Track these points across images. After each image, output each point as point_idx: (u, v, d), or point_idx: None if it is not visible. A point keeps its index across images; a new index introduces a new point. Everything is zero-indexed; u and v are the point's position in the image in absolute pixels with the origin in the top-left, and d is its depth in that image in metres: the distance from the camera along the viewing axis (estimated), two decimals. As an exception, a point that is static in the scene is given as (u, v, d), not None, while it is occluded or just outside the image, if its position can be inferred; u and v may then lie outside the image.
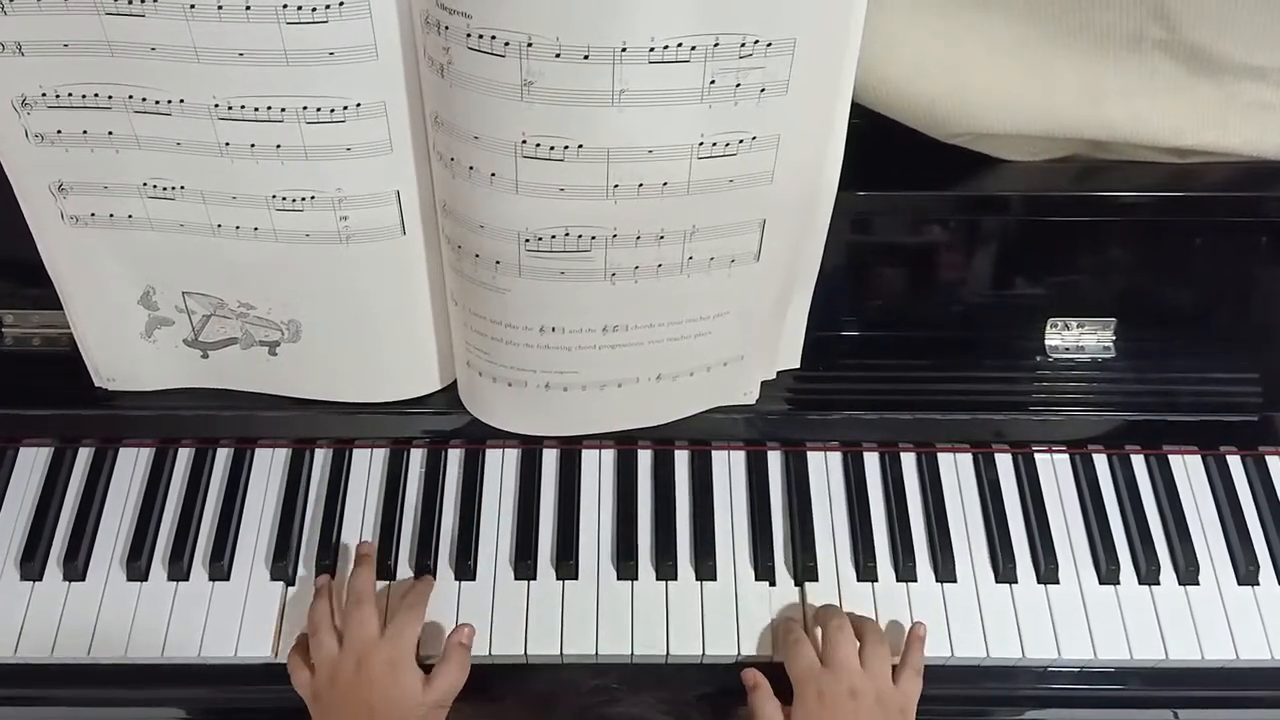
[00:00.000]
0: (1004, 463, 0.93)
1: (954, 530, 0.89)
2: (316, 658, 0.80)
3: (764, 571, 0.87)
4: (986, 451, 0.93)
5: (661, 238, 0.72)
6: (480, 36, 0.61)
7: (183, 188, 0.73)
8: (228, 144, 0.69)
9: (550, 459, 0.93)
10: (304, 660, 0.81)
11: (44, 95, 0.69)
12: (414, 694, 0.77)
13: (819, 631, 0.82)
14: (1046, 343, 0.92)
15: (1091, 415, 0.91)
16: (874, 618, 0.85)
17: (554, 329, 0.77)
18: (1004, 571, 0.87)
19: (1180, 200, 0.80)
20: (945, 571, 0.87)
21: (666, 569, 0.87)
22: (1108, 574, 0.87)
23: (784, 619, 0.84)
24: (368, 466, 0.92)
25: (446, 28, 0.62)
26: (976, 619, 0.85)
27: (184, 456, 0.93)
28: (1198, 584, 0.87)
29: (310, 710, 0.79)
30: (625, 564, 0.86)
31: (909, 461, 0.93)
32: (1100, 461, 0.93)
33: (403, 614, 0.81)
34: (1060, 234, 0.85)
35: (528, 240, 0.71)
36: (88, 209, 0.75)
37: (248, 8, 0.62)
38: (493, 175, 0.68)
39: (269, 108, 0.67)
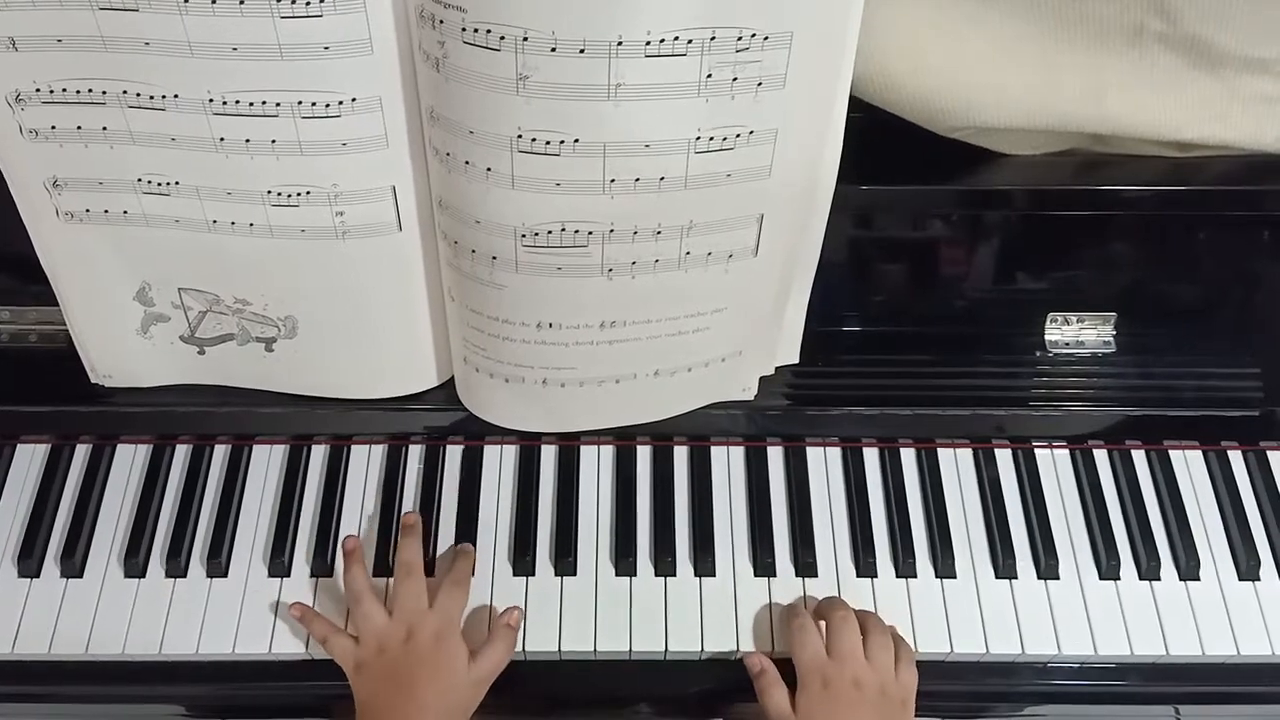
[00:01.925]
0: (1004, 458, 0.93)
1: (954, 526, 0.89)
2: (362, 627, 0.80)
3: (763, 568, 0.87)
4: (986, 447, 0.93)
5: (659, 233, 0.71)
6: (475, 31, 0.61)
7: (178, 183, 0.73)
8: (222, 139, 0.69)
9: (549, 455, 0.92)
10: (340, 629, 0.81)
11: (38, 91, 0.69)
12: (460, 668, 0.78)
13: (822, 623, 0.82)
14: (1046, 338, 0.91)
15: (1092, 410, 0.91)
16: (875, 613, 0.84)
17: (551, 325, 0.77)
18: (1004, 567, 0.87)
19: (1181, 194, 0.80)
20: (945, 567, 0.87)
21: (665, 565, 0.86)
22: (1108, 569, 0.87)
23: (789, 607, 0.84)
24: (366, 463, 0.92)
25: (441, 22, 0.61)
26: (976, 615, 0.85)
27: (181, 453, 0.93)
28: (1198, 579, 0.87)
29: (351, 678, 0.79)
30: (624, 560, 0.86)
31: (909, 457, 0.93)
32: (1101, 457, 0.93)
33: (448, 588, 0.81)
34: (1060, 228, 0.84)
35: (524, 236, 0.71)
36: (83, 205, 0.75)
37: (241, 2, 0.62)
38: (489, 170, 0.67)
39: (264, 102, 0.67)
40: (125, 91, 0.68)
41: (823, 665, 0.78)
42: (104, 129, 0.70)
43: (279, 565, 0.86)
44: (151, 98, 0.68)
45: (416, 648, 0.78)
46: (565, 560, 0.86)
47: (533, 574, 0.86)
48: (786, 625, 0.82)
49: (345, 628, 0.83)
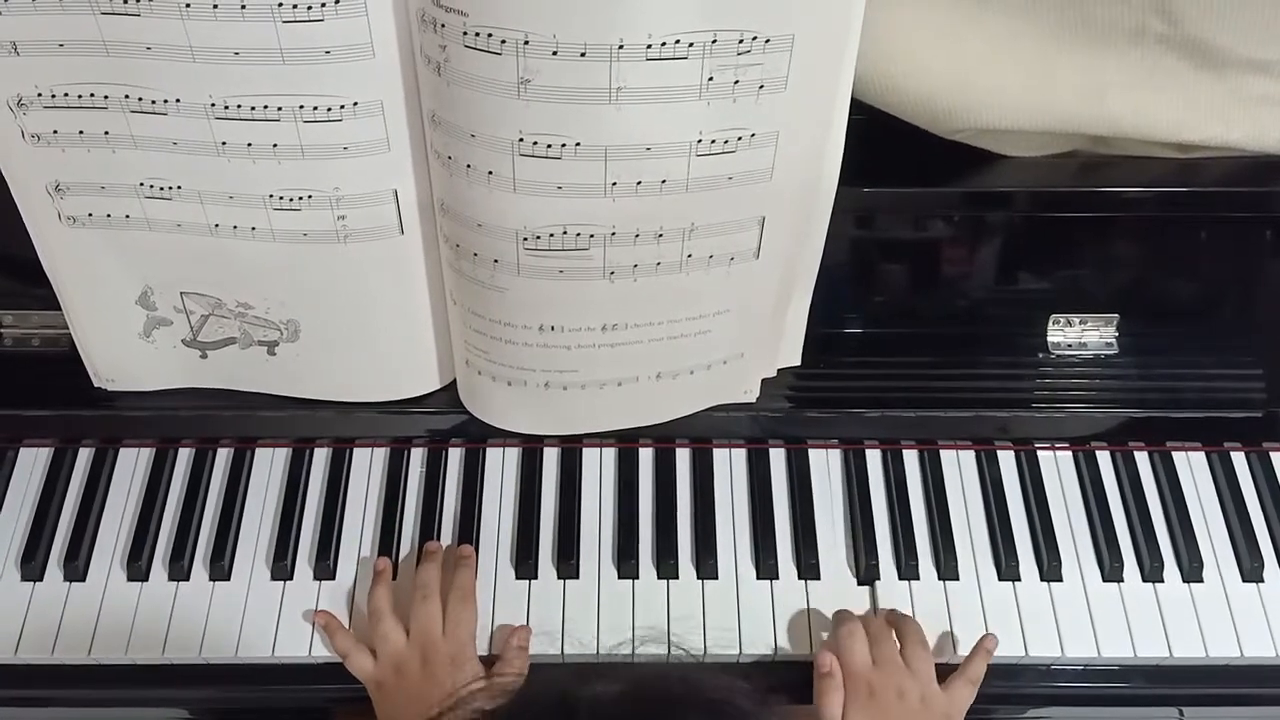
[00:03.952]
0: (1007, 460, 0.92)
1: (956, 528, 0.89)
2: (381, 647, 0.81)
3: (766, 570, 0.86)
4: (989, 449, 0.93)
5: (660, 236, 0.71)
6: (477, 34, 0.61)
7: (180, 188, 0.73)
8: (224, 143, 0.69)
9: (551, 457, 0.92)
10: (362, 645, 0.81)
11: (40, 95, 0.69)
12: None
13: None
14: (1049, 339, 0.91)
15: (1094, 412, 0.91)
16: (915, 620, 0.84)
17: (553, 328, 0.77)
18: (1007, 569, 0.87)
19: (1183, 196, 0.80)
20: (948, 569, 0.87)
21: (668, 568, 0.86)
22: (1111, 571, 0.87)
23: (839, 613, 0.84)
24: (368, 466, 0.92)
25: (443, 25, 0.61)
26: (979, 617, 0.85)
27: (184, 456, 0.93)
28: (1202, 581, 0.87)
29: (372, 695, 0.80)
30: (626, 563, 0.86)
31: (911, 459, 0.92)
32: (1104, 458, 0.93)
33: (454, 608, 0.82)
34: (1062, 230, 0.84)
35: (526, 239, 0.71)
36: (85, 209, 0.75)
37: (243, 7, 0.62)
38: (490, 174, 0.67)
39: (265, 107, 0.67)
40: (127, 96, 0.68)
41: (869, 674, 0.78)
42: (106, 133, 0.70)
43: (282, 568, 0.86)
44: (153, 102, 0.68)
45: (434, 674, 0.79)
46: (568, 563, 0.86)
47: (535, 577, 0.86)
48: (835, 630, 0.82)
49: (349, 622, 0.84)
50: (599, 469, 0.92)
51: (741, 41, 0.62)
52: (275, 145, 0.69)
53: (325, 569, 0.87)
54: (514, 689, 0.70)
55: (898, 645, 0.80)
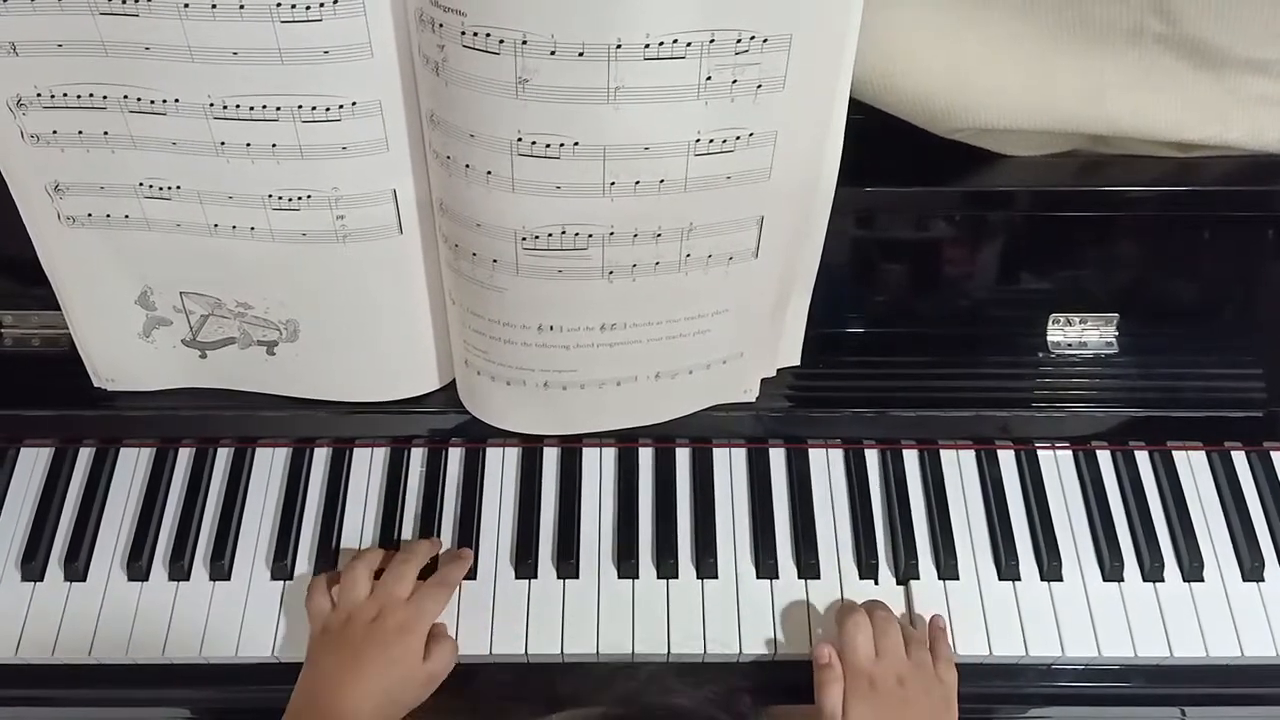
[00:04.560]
0: (1007, 459, 0.92)
1: (956, 527, 0.89)
2: (342, 596, 0.81)
3: (766, 569, 0.86)
4: (989, 448, 0.93)
5: (659, 235, 0.71)
6: (475, 34, 0.61)
7: (179, 188, 0.73)
8: (223, 143, 0.69)
9: (551, 457, 0.92)
10: (327, 590, 0.82)
11: (39, 95, 0.69)
12: (415, 662, 0.79)
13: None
14: (1049, 339, 0.91)
15: (1095, 411, 0.91)
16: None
17: (552, 328, 0.77)
18: (1007, 569, 0.87)
19: (1183, 195, 0.80)
20: (948, 569, 0.87)
21: (668, 567, 0.86)
22: (1112, 571, 0.86)
23: (843, 608, 0.84)
24: (368, 466, 0.92)
25: (441, 25, 0.61)
26: (979, 617, 0.84)
27: (184, 456, 0.93)
28: (1202, 581, 0.87)
29: (312, 637, 0.81)
30: (626, 563, 0.86)
31: (911, 458, 0.92)
32: (1104, 458, 0.93)
33: (431, 588, 0.82)
34: (1062, 229, 0.84)
35: (525, 239, 0.71)
36: (84, 209, 0.75)
37: (241, 7, 0.62)
38: (489, 173, 0.67)
39: (264, 107, 0.67)
40: (126, 96, 0.68)
41: (870, 666, 0.78)
42: (105, 133, 0.70)
43: (282, 568, 0.87)
44: (152, 102, 0.68)
45: (378, 631, 0.79)
46: (567, 562, 0.86)
47: (535, 576, 0.86)
48: (840, 622, 0.82)
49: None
50: (599, 469, 0.92)
51: (739, 41, 0.62)
52: (274, 145, 0.69)
53: (326, 569, 0.86)
54: None
55: (900, 637, 0.80)
